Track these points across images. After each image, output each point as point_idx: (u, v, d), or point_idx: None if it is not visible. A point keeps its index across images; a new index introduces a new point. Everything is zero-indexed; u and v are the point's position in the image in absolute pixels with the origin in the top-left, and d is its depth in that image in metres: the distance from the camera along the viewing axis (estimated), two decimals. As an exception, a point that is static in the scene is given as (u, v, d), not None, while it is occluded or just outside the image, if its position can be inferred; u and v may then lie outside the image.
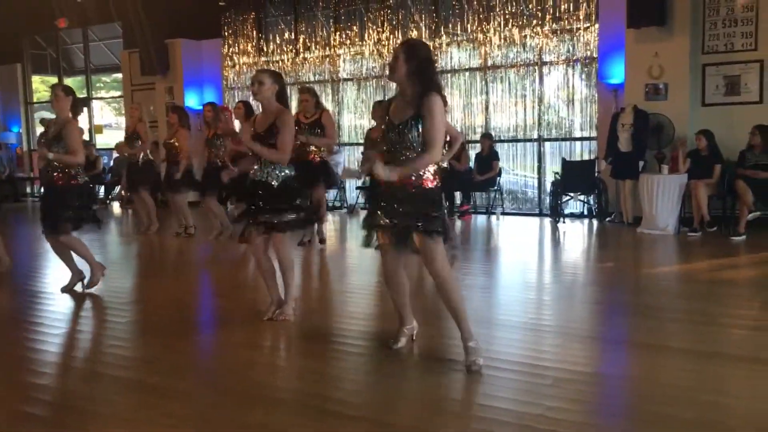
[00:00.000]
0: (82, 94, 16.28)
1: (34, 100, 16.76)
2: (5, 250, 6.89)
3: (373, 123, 8.01)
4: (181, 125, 9.01)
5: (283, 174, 4.75)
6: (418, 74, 3.70)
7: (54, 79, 16.31)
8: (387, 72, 3.84)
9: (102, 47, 16.20)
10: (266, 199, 4.73)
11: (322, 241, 8.11)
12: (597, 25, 10.05)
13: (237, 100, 9.99)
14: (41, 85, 17.02)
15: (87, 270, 6.04)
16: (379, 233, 4.00)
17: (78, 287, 6.04)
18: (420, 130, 3.69)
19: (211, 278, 7.05)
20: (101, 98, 16.39)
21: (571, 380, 3.67)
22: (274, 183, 4.73)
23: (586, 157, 10.55)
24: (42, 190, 6.18)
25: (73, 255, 5.96)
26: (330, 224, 8.63)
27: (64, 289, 5.99)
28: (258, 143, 4.67)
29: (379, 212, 3.92)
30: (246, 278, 6.64)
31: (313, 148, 7.56)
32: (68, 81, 16.52)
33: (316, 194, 7.66)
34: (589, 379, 3.75)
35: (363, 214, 9.13)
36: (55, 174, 5.71)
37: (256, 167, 4.79)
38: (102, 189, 14.74)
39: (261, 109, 4.87)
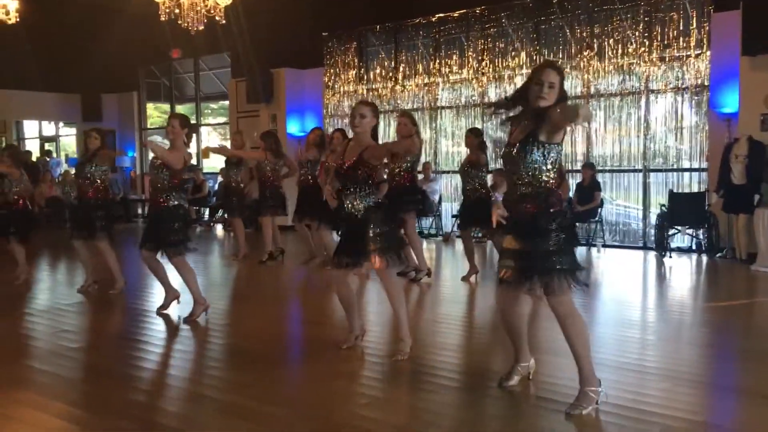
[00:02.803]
0: (192, 121, 17.09)
1: (148, 125, 17.71)
2: (120, 271, 7.19)
3: (467, 151, 7.76)
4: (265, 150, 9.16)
5: (368, 202, 4.58)
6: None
7: (167, 107, 17.22)
8: (539, 100, 3.53)
9: (211, 76, 16.96)
10: (358, 230, 4.57)
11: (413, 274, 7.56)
12: (708, 53, 9.61)
13: (335, 128, 10.13)
14: (155, 111, 17.97)
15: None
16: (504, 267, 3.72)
17: (174, 310, 6.13)
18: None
19: (305, 305, 7.12)
20: (208, 124, 17.13)
21: (681, 429, 3.45)
22: (361, 211, 4.57)
23: (695, 188, 10.06)
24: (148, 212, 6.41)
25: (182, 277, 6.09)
26: (425, 253, 8.48)
27: (159, 310, 6.10)
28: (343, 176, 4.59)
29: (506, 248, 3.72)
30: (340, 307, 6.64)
31: (397, 172, 7.21)
32: (179, 108, 17.37)
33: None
34: (699, 429, 3.51)
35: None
36: (159, 197, 5.85)
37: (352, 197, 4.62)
38: (207, 212, 15.31)
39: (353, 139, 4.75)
